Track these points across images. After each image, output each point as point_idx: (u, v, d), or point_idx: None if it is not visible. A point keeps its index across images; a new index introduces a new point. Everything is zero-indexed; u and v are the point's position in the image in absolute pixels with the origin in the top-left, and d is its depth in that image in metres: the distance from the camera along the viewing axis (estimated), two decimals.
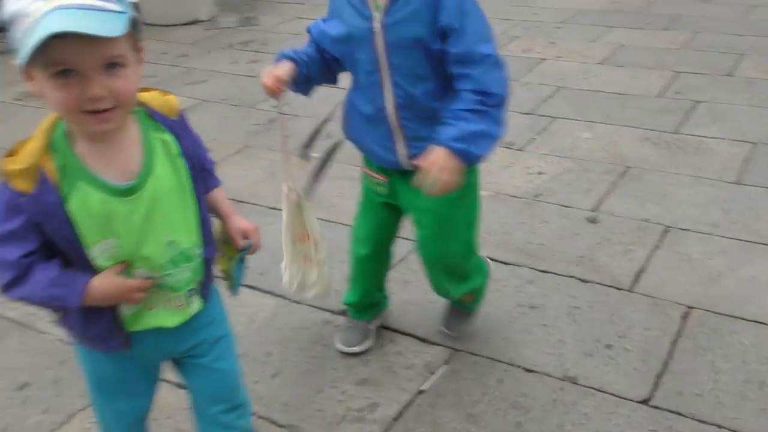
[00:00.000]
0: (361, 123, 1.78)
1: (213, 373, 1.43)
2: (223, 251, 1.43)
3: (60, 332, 2.19)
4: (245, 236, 1.40)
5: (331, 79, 1.85)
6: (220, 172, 1.46)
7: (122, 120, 1.17)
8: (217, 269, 1.41)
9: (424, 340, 2.11)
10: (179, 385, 1.92)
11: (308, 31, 1.82)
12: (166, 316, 1.30)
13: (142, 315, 1.29)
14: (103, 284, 1.20)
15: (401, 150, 1.74)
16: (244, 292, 1.76)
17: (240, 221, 1.41)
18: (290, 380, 1.97)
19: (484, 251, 2.50)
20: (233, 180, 3.10)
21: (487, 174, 3.06)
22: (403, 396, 1.90)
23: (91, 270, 1.20)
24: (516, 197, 2.89)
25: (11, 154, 1.15)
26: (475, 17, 1.62)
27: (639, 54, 4.56)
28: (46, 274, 1.18)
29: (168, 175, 1.23)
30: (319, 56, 1.78)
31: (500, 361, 2.01)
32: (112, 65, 1.10)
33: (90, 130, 1.15)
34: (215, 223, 1.41)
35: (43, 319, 2.27)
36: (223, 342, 1.43)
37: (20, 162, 1.13)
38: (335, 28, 1.72)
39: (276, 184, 2.95)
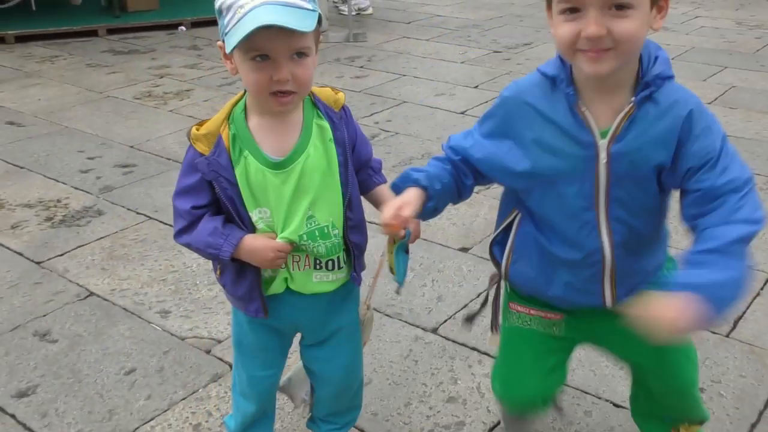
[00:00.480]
0: (550, 268, 1.42)
1: (335, 356, 1.56)
2: (389, 249, 1.49)
3: (165, 323, 2.33)
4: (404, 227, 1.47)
5: (455, 202, 1.50)
6: None
7: (297, 104, 1.34)
8: (386, 265, 1.50)
9: None
10: None
11: (453, 150, 1.44)
12: (303, 278, 1.43)
13: (279, 276, 1.43)
14: (253, 242, 1.35)
15: (608, 291, 1.40)
16: None
17: None
18: (380, 391, 2.03)
19: None
20: None
21: None
22: (490, 418, 1.92)
23: (247, 231, 1.37)
24: None
25: (200, 123, 1.35)
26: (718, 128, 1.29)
27: (752, 96, 4.44)
28: (210, 224, 1.36)
29: (318, 156, 1.37)
30: (455, 184, 1.43)
31: (588, 393, 2.01)
32: (299, 54, 1.27)
33: (272, 110, 1.32)
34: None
35: (151, 309, 2.41)
36: (351, 333, 1.57)
37: (204, 129, 1.34)
38: (519, 158, 1.34)
39: None
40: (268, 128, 1.35)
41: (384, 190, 1.53)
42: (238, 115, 1.36)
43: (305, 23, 1.23)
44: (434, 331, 2.29)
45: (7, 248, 2.80)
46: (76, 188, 3.31)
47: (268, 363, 1.57)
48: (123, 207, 3.12)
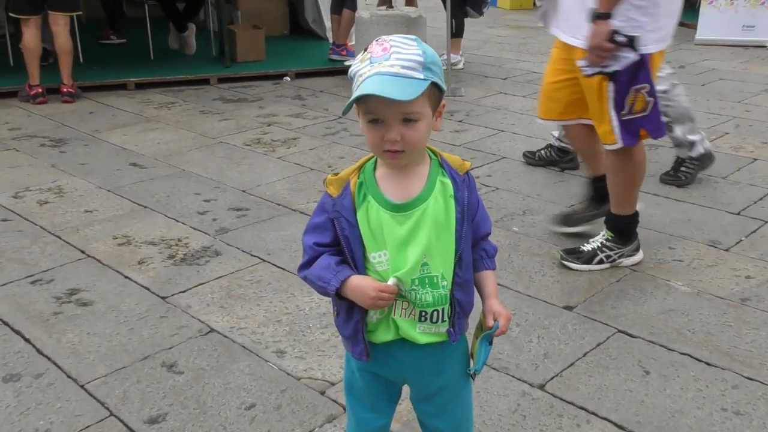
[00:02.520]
0: None
1: (443, 413, 1.62)
2: (476, 334, 1.58)
3: (281, 362, 2.45)
4: (495, 318, 1.54)
5: None
6: None
7: (409, 159, 1.45)
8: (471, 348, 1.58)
9: (621, 427, 2.14)
10: None
11: None
12: (407, 326, 1.50)
13: (386, 324, 1.50)
14: (359, 281, 1.46)
15: None
16: None
17: (496, 304, 1.56)
18: None
19: (685, 348, 2.50)
20: None
21: (690, 271, 3.06)
22: None
23: (359, 273, 1.48)
24: (721, 298, 2.85)
25: (336, 173, 1.51)
26: None
27: None
28: (325, 260, 1.48)
29: (438, 208, 1.47)
30: None
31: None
32: (408, 119, 1.39)
33: (385, 163, 1.47)
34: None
35: (267, 348, 2.54)
36: (459, 390, 1.62)
37: (338, 176, 1.49)
38: None
39: None
40: (393, 178, 1.47)
41: (490, 276, 1.60)
42: (368, 166, 1.50)
43: (407, 92, 1.34)
44: (541, 387, 2.32)
45: (136, 282, 3.00)
46: (194, 228, 3.51)
47: (375, 407, 1.66)
48: (238, 248, 3.30)
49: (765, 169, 4.23)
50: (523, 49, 8.07)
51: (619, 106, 2.77)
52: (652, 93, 2.77)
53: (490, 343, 1.56)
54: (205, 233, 3.47)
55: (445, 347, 1.55)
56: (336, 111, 5.58)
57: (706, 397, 2.27)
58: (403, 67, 1.36)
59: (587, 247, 3.10)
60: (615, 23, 2.61)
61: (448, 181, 1.49)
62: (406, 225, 1.45)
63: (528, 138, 4.90)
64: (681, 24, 9.66)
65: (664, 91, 3.76)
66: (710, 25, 8.01)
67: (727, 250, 3.25)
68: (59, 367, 2.44)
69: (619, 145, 2.85)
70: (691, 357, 2.47)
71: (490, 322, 1.54)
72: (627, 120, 2.80)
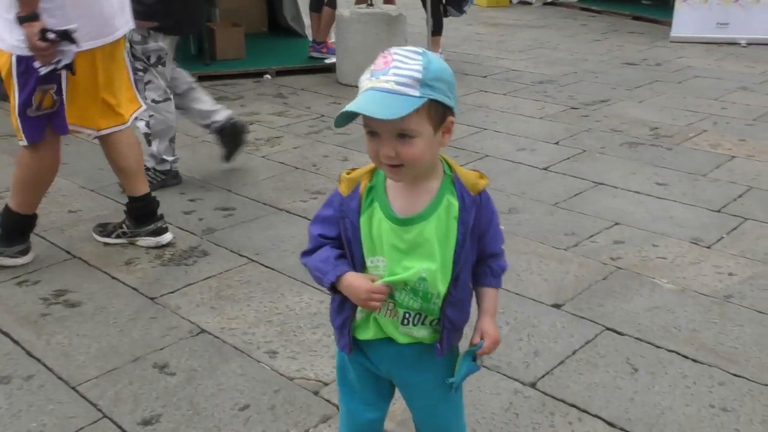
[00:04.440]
0: None
1: (432, 415, 1.65)
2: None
3: (273, 363, 2.45)
4: (482, 337, 1.56)
5: None
6: None
7: (411, 175, 1.43)
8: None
9: (611, 425, 2.18)
10: None
11: None
12: (389, 326, 1.53)
13: (369, 323, 1.54)
14: (353, 279, 1.48)
15: None
16: None
17: (487, 323, 1.57)
18: None
19: (672, 345, 2.55)
20: None
21: (674, 268, 3.11)
22: None
23: (357, 270, 1.50)
24: (705, 295, 2.90)
25: (351, 170, 1.52)
26: None
27: None
28: (326, 252, 1.51)
29: (440, 228, 1.47)
30: None
31: None
32: (402, 135, 1.38)
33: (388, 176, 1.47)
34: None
35: (259, 349, 2.54)
36: (443, 394, 1.63)
37: (352, 175, 1.50)
38: None
39: None
40: (402, 189, 1.47)
41: (490, 293, 1.60)
42: (382, 171, 1.49)
43: (394, 111, 1.31)
44: (533, 385, 2.35)
45: (124, 283, 2.98)
46: (181, 228, 3.49)
47: (366, 400, 1.67)
48: (226, 248, 3.29)
49: (743, 166, 4.31)
50: (502, 47, 8.12)
51: (26, 103, 2.86)
52: (59, 92, 2.89)
53: (474, 359, 1.57)
54: (192, 233, 3.45)
55: (426, 347, 1.56)
56: (318, 109, 5.57)
57: (693, 394, 2.31)
58: (398, 83, 1.33)
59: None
60: (48, 22, 2.71)
61: (455, 202, 1.47)
62: (405, 241, 1.46)
63: (510, 136, 4.94)
64: (656, 21, 9.71)
65: (155, 101, 3.90)
66: (684, 22, 8.11)
67: (708, 247, 3.31)
68: (49, 369, 2.42)
69: (24, 142, 2.95)
70: (678, 354, 2.52)
71: (476, 339, 1.56)
72: (34, 117, 2.89)
